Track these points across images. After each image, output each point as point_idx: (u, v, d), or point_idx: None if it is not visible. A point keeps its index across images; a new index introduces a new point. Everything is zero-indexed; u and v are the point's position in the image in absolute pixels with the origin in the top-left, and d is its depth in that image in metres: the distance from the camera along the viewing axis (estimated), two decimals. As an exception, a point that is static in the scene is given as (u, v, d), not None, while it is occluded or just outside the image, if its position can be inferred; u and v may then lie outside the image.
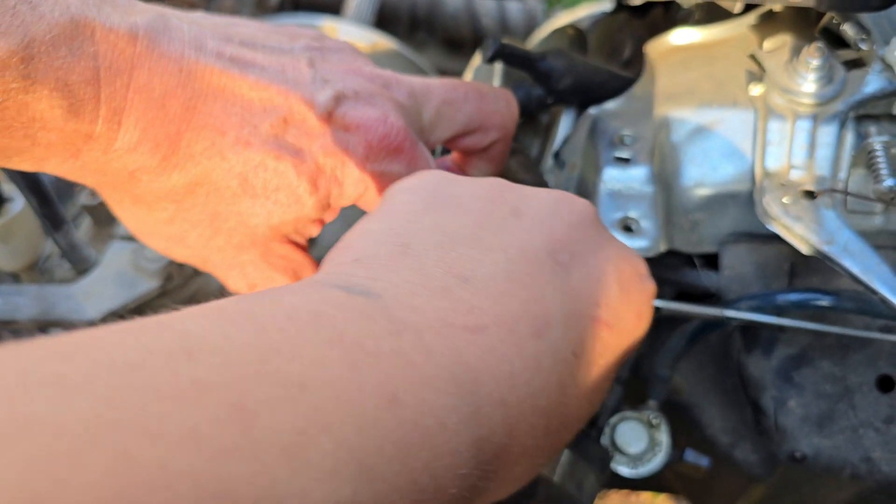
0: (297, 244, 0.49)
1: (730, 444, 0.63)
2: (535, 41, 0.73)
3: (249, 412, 0.23)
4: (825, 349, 0.57)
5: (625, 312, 0.37)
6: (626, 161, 0.57)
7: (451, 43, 1.27)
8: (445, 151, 0.56)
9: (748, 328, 0.58)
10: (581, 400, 0.35)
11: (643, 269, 0.41)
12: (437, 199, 0.37)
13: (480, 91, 0.51)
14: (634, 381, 0.64)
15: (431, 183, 0.38)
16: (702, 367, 0.65)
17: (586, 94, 0.62)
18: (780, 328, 0.57)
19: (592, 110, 0.60)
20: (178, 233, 0.47)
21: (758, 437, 0.60)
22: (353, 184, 0.46)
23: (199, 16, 0.47)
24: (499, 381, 0.30)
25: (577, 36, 0.70)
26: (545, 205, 0.37)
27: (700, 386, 0.64)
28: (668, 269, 0.60)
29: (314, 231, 0.49)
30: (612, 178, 0.57)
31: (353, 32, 0.89)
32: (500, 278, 0.33)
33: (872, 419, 0.56)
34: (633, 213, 0.56)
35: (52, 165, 0.43)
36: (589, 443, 0.54)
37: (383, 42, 0.91)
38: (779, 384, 0.57)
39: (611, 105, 0.60)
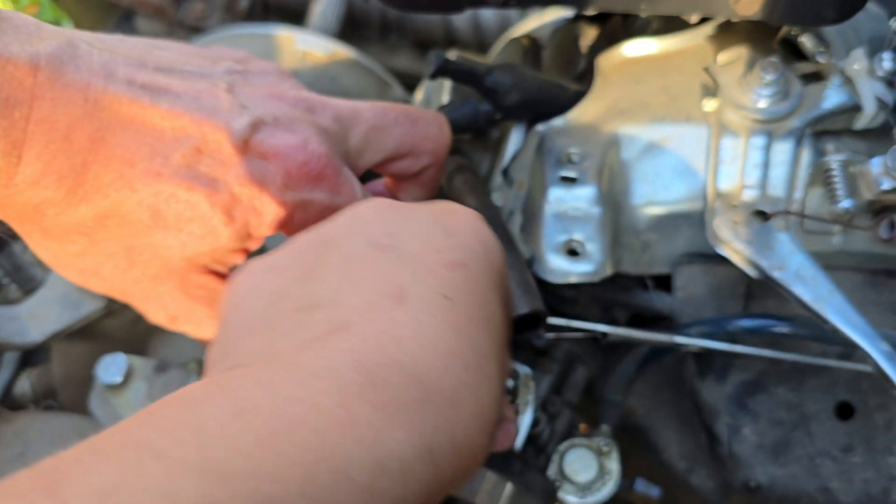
0: (217, 273, 0.47)
1: (686, 470, 0.61)
2: (493, 52, 0.71)
3: None
4: (781, 375, 0.55)
5: (467, 243, 0.37)
6: (572, 181, 0.55)
7: (423, 45, 1.25)
8: (376, 175, 0.54)
9: (703, 354, 0.56)
10: (479, 330, 0.34)
11: (453, 206, 0.40)
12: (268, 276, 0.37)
13: (411, 115, 0.49)
14: (588, 404, 0.62)
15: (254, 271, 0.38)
16: (658, 390, 0.63)
17: (535, 109, 0.59)
18: (734, 354, 0.54)
19: (540, 127, 0.58)
20: (91, 266, 0.45)
21: (713, 464, 0.58)
22: (273, 213, 0.44)
23: (115, 39, 0.45)
24: (387, 351, 0.30)
25: (531, 47, 0.68)
26: (344, 222, 0.38)
27: (656, 409, 0.63)
28: (620, 291, 0.58)
29: (237, 260, 0.47)
30: (558, 198, 0.55)
31: (311, 42, 0.87)
32: (344, 290, 0.33)
33: (829, 448, 0.54)
34: (577, 236, 0.54)
35: None
36: (534, 474, 0.52)
37: (342, 51, 0.89)
38: (733, 411, 0.55)
39: (559, 122, 0.58)
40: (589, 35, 0.67)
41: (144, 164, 0.41)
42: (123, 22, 1.42)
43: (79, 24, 1.63)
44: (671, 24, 0.62)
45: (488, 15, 1.18)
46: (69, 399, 0.73)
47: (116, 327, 0.70)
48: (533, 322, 0.51)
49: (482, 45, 1.09)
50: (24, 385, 0.75)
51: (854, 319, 0.47)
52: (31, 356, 0.81)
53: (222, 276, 0.48)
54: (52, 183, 0.40)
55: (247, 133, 0.43)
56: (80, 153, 0.40)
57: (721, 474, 0.57)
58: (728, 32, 0.59)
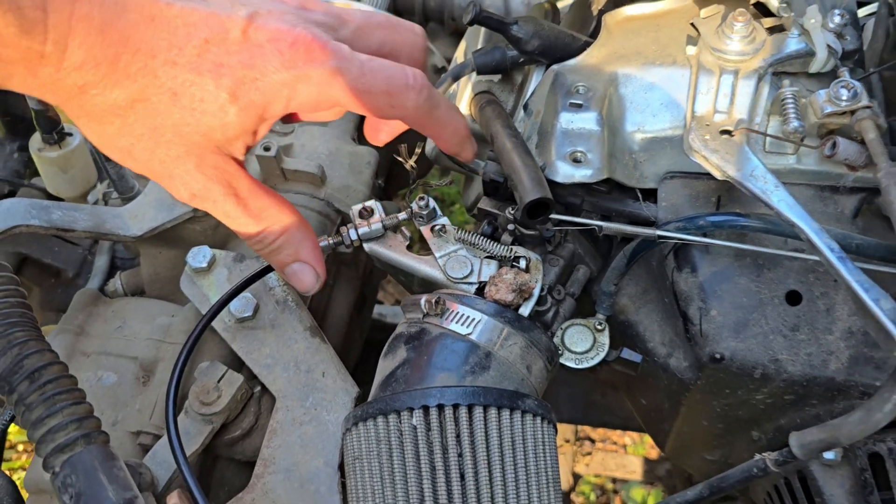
0: (233, 158, 0.58)
1: (666, 355, 0.73)
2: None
3: None
4: (743, 267, 0.68)
5: None
6: (578, 106, 0.69)
7: (459, 34, 1.39)
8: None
9: (680, 251, 0.69)
10: None
11: None
12: None
13: (392, 21, 0.61)
14: (586, 299, 0.76)
15: None
16: (645, 291, 0.76)
17: (552, 55, 0.73)
18: (706, 247, 0.67)
19: (555, 66, 0.72)
20: (126, 145, 0.56)
21: (688, 345, 0.70)
22: (275, 91, 0.53)
23: None
24: None
25: (552, 10, 0.82)
26: None
27: (643, 307, 0.75)
28: (615, 201, 0.72)
29: (249, 142, 0.57)
30: (567, 119, 0.68)
31: (362, 6, 1.01)
32: None
33: (781, 327, 0.66)
34: (581, 148, 0.67)
35: (16, 83, 0.52)
36: (541, 335, 0.65)
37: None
38: (704, 296, 0.68)
39: (570, 63, 0.72)
40: (599, 1, 0.81)
41: (163, 55, 0.52)
42: None
43: None
44: (667, -9, 0.76)
45: (517, 4, 1.32)
46: (155, 295, 0.88)
47: (199, 232, 0.84)
48: (542, 209, 0.65)
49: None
50: (116, 283, 0.90)
51: (799, 212, 0.60)
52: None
53: (235, 160, 0.58)
54: (92, 68, 0.51)
55: (244, 23, 0.52)
56: (112, 45, 0.50)
57: (693, 352, 0.69)
58: (712, -6, 0.72)
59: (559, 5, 0.85)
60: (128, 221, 0.80)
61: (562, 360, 0.69)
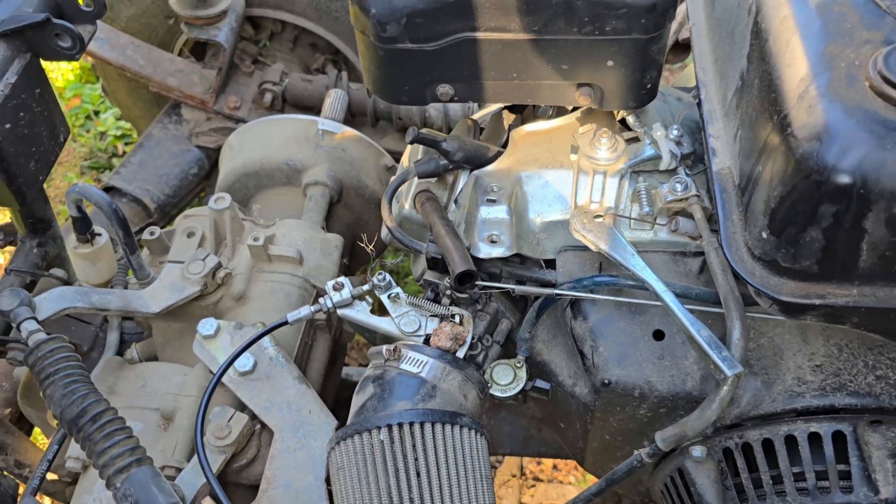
0: None
1: (572, 385, 0.96)
2: (454, 131, 1.10)
3: None
4: (621, 313, 0.91)
5: None
6: (493, 201, 0.93)
7: (405, 129, 1.64)
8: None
9: (574, 304, 0.93)
10: None
11: None
12: None
13: None
14: (509, 344, 0.98)
15: None
16: (553, 336, 0.99)
17: (473, 162, 0.97)
18: (593, 300, 0.91)
19: (476, 171, 0.96)
20: None
21: (586, 376, 0.93)
22: None
23: None
24: None
25: (474, 126, 1.07)
26: None
27: (553, 349, 0.98)
28: (526, 270, 0.95)
29: None
30: (485, 211, 0.93)
31: (328, 124, 1.26)
32: None
33: (651, 357, 0.89)
34: (496, 232, 0.91)
35: None
36: (474, 372, 0.87)
37: (350, 131, 1.28)
38: (593, 337, 0.91)
39: (487, 168, 0.96)
40: (509, 119, 1.07)
41: None
42: (171, 111, 1.82)
43: (129, 114, 2.02)
44: (560, 111, 1.02)
45: (454, 106, 1.59)
46: (167, 360, 1.07)
47: (203, 307, 1.05)
48: (469, 278, 0.88)
49: (449, 128, 1.50)
50: (132, 352, 1.10)
51: (648, 272, 0.84)
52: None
53: None
54: None
55: None
56: None
57: (590, 381, 0.92)
58: (588, 115, 0.98)
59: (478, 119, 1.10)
60: (148, 301, 1.00)
61: (491, 391, 0.91)
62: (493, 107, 1.13)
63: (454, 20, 0.81)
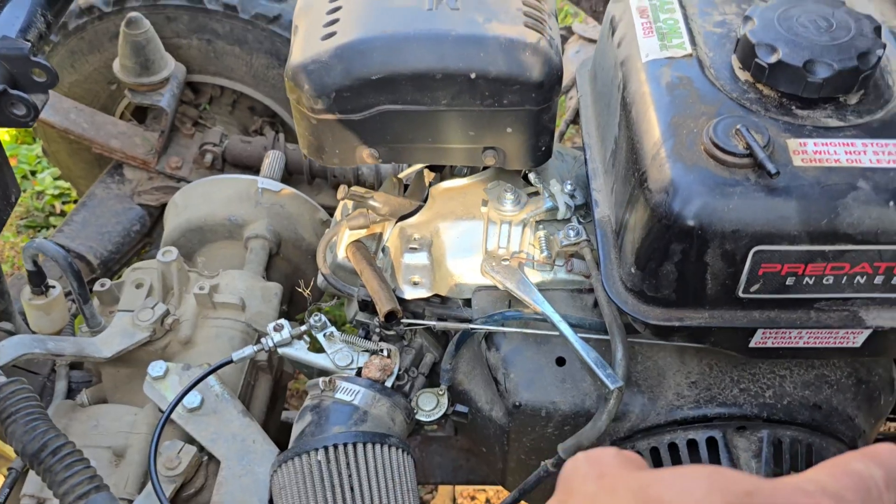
0: None
1: (490, 410, 1.08)
2: (382, 188, 1.24)
3: None
4: (529, 343, 1.05)
5: None
6: (416, 249, 1.06)
7: (338, 187, 1.78)
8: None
9: (488, 337, 1.06)
10: None
11: None
12: None
13: None
14: (434, 375, 1.11)
15: None
16: (473, 367, 1.12)
17: (398, 215, 1.11)
18: (504, 333, 1.04)
19: (400, 223, 1.10)
20: None
21: (500, 400, 1.06)
22: None
23: None
24: None
25: (398, 183, 1.21)
26: None
27: (473, 378, 1.11)
28: (446, 308, 1.08)
29: None
30: (408, 258, 1.06)
31: (267, 182, 1.38)
32: None
33: (554, 380, 1.03)
34: (418, 276, 1.04)
35: None
36: (401, 399, 0.99)
37: (287, 189, 1.40)
38: (505, 365, 1.04)
39: (410, 220, 1.10)
40: (430, 177, 1.21)
41: None
42: (113, 171, 1.91)
43: (70, 174, 2.10)
44: (473, 170, 1.16)
45: (386, 165, 1.73)
46: (116, 402, 1.16)
47: (151, 352, 1.14)
48: (394, 317, 1.01)
49: (380, 183, 1.63)
50: (82, 397, 1.18)
51: (548, 308, 0.98)
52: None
53: None
54: None
55: None
56: None
57: (504, 404, 1.05)
58: (495, 173, 1.13)
59: (403, 178, 1.24)
60: (100, 347, 1.09)
61: (417, 416, 1.03)
62: (418, 166, 1.27)
63: (376, 94, 0.96)
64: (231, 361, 1.01)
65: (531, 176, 1.11)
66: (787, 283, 0.82)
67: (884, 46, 0.85)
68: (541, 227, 1.08)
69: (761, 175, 0.78)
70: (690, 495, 0.40)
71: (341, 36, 0.96)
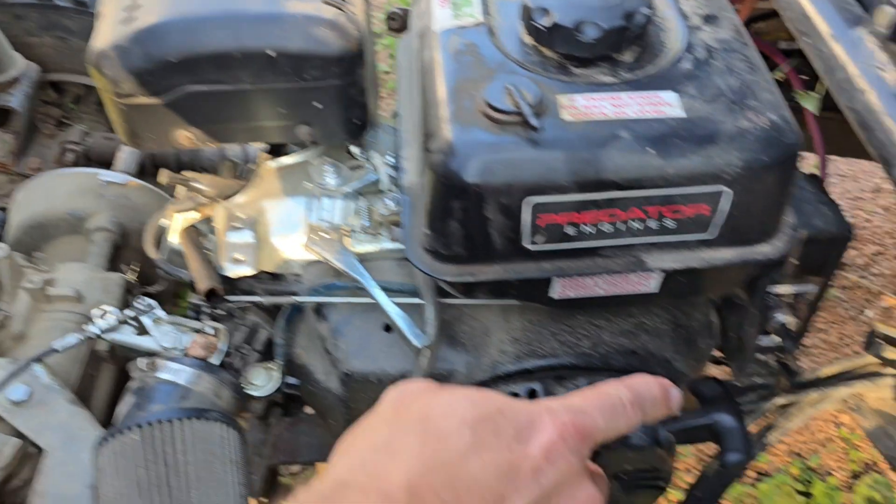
0: None
1: (326, 381, 1.10)
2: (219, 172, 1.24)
3: None
4: (356, 313, 1.07)
5: None
6: (239, 228, 1.08)
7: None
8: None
9: (319, 308, 1.08)
10: None
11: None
12: None
13: None
14: (271, 353, 1.12)
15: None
16: (310, 341, 1.13)
17: (225, 195, 1.12)
18: (333, 303, 1.06)
19: (224, 203, 1.11)
20: None
21: (334, 371, 1.08)
22: None
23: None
24: None
25: (232, 165, 1.22)
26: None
27: (310, 352, 1.13)
28: (276, 284, 1.10)
29: None
30: (232, 236, 1.07)
31: (110, 175, 1.36)
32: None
33: (382, 347, 1.05)
34: (241, 254, 1.06)
35: None
36: (227, 375, 1.00)
37: (135, 181, 1.39)
38: (335, 335, 1.06)
39: (236, 199, 1.11)
40: (267, 158, 1.22)
41: None
42: (-30, 176, 1.85)
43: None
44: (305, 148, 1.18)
45: (253, 152, 1.72)
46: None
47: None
48: (215, 294, 1.02)
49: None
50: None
51: (364, 275, 1.01)
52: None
53: None
54: None
55: None
56: None
57: (337, 374, 1.07)
58: (325, 149, 1.15)
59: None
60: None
61: (248, 391, 1.05)
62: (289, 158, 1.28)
63: (178, 76, 0.96)
64: (55, 351, 1.01)
65: (354, 150, 1.13)
66: (568, 232, 0.86)
67: (650, 6, 0.90)
68: (363, 199, 1.10)
69: (530, 131, 0.82)
70: (454, 410, 0.53)
71: (141, 20, 0.96)
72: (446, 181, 0.83)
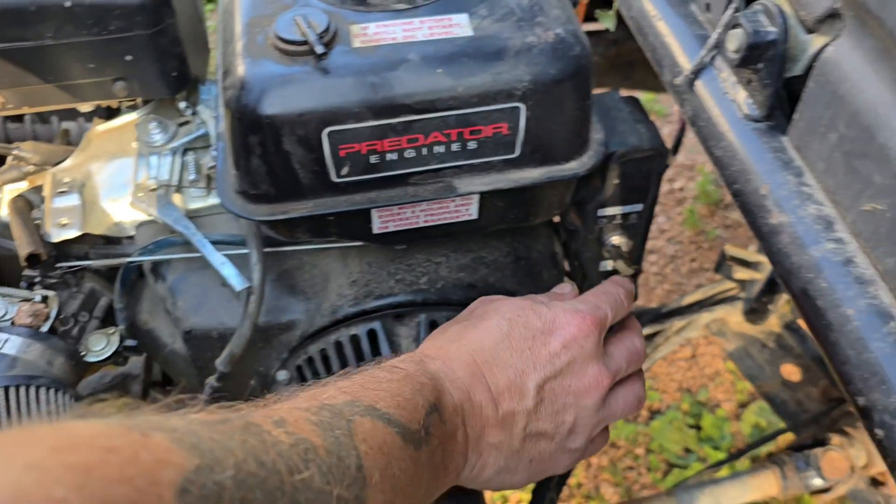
0: None
1: (172, 342, 1.09)
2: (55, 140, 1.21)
3: None
4: (193, 269, 1.06)
5: None
6: (64, 192, 1.05)
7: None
8: None
9: (154, 268, 1.06)
10: None
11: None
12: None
13: None
14: (110, 318, 1.10)
15: None
16: (155, 304, 1.12)
17: (52, 162, 1.09)
18: (168, 261, 1.05)
19: (52, 170, 1.08)
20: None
21: (177, 331, 1.06)
22: None
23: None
24: None
25: (66, 133, 1.19)
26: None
27: (156, 316, 1.11)
28: (110, 248, 1.08)
29: None
30: (57, 201, 1.04)
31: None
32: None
33: (220, 301, 1.04)
34: (66, 218, 1.03)
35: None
36: (58, 342, 0.98)
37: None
38: (173, 294, 1.05)
39: (63, 164, 1.09)
40: (99, 124, 1.19)
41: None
42: None
43: None
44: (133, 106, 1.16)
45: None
46: None
47: None
48: (37, 259, 0.99)
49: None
50: None
51: (186, 227, 0.99)
52: None
53: None
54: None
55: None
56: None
57: (179, 334, 1.06)
58: (154, 108, 1.13)
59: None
60: None
61: (87, 358, 1.03)
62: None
63: (-28, 35, 0.93)
64: None
65: (181, 105, 1.11)
66: (373, 161, 0.86)
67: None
68: (191, 154, 1.09)
69: (319, 60, 0.82)
70: (500, 311, 0.81)
71: (-71, -20, 0.93)
72: (241, 116, 0.82)
